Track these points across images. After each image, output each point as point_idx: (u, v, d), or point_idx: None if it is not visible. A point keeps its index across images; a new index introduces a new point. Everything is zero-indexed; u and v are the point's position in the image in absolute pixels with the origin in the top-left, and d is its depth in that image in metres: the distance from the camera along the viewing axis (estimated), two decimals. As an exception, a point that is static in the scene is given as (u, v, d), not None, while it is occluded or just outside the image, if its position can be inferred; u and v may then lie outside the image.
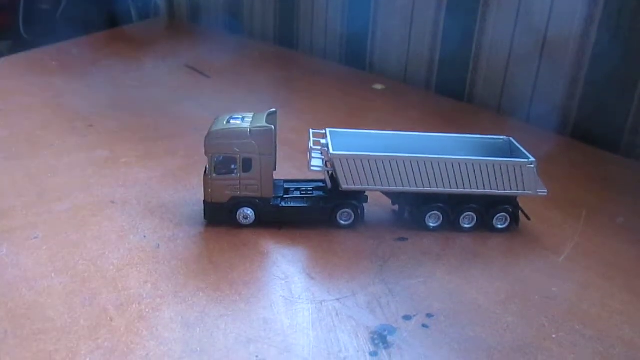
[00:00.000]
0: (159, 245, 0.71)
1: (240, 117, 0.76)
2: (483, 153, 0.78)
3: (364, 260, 0.71)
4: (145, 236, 0.73)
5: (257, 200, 0.75)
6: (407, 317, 0.61)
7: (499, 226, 0.78)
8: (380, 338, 0.58)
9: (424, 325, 0.60)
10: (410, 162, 0.74)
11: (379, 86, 1.36)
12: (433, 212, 0.77)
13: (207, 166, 0.74)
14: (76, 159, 0.94)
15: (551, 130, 1.19)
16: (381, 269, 0.69)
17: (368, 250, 0.73)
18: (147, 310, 0.60)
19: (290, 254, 0.71)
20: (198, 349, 0.55)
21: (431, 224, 0.77)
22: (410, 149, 0.77)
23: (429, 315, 0.61)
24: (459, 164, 0.74)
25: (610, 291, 0.68)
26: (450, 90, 1.37)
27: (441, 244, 0.75)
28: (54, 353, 0.54)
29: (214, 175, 0.74)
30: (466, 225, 0.78)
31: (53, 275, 0.65)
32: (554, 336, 0.60)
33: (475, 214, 0.77)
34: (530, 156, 0.76)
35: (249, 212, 0.75)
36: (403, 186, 0.75)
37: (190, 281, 0.65)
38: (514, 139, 0.81)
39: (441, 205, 0.76)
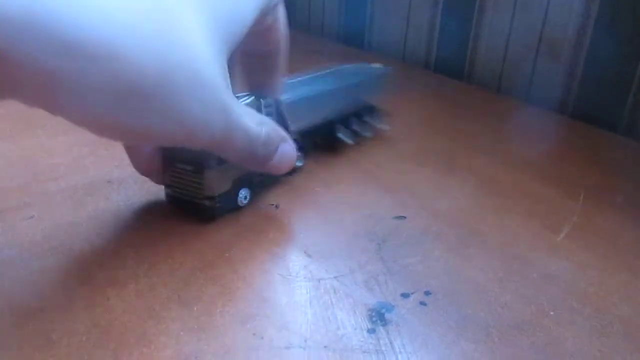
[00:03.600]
0: (155, 224, 0.71)
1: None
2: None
3: (361, 239, 0.70)
4: (141, 216, 0.73)
5: None
6: (405, 295, 0.61)
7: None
8: (378, 315, 0.58)
9: (421, 303, 0.60)
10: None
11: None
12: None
13: None
14: (71, 139, 0.93)
15: (551, 110, 1.19)
16: (379, 247, 0.69)
17: (366, 228, 0.73)
18: (143, 289, 0.60)
19: (287, 232, 0.71)
20: (195, 327, 0.55)
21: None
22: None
23: (427, 293, 0.61)
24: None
25: (609, 270, 0.68)
26: (450, 70, 1.35)
27: (440, 222, 0.75)
28: (51, 332, 0.54)
29: None
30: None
31: (49, 254, 0.65)
32: (552, 314, 0.60)
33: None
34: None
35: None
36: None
37: (187, 260, 0.65)
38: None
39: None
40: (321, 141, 0.92)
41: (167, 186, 0.73)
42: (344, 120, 0.92)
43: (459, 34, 1.32)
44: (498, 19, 1.23)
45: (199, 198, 0.70)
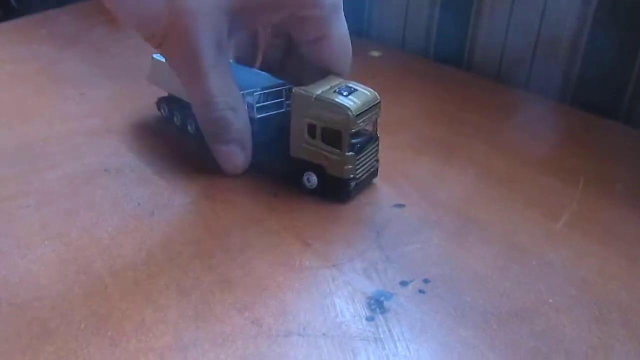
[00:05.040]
0: (153, 212, 0.71)
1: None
2: None
3: (360, 227, 0.70)
4: (139, 204, 0.72)
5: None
6: (403, 283, 0.61)
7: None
8: (377, 303, 0.58)
9: (420, 291, 0.60)
10: None
11: (375, 53, 1.34)
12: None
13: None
14: (68, 128, 0.92)
15: (550, 98, 1.18)
16: (378, 236, 0.69)
17: (365, 216, 0.72)
18: (142, 277, 0.60)
19: (286, 220, 0.71)
20: (193, 315, 0.55)
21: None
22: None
23: (426, 281, 0.61)
24: None
25: (608, 257, 0.67)
26: (449, 58, 1.35)
27: (439, 210, 0.75)
28: (49, 320, 0.53)
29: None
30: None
31: (46, 243, 0.64)
32: (550, 301, 0.60)
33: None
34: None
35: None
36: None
37: (185, 248, 0.64)
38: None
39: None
40: None
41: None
42: None
43: (459, 22, 1.31)
44: (498, 6, 1.22)
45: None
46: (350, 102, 0.70)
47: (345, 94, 0.72)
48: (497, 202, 0.78)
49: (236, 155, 0.77)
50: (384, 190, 0.79)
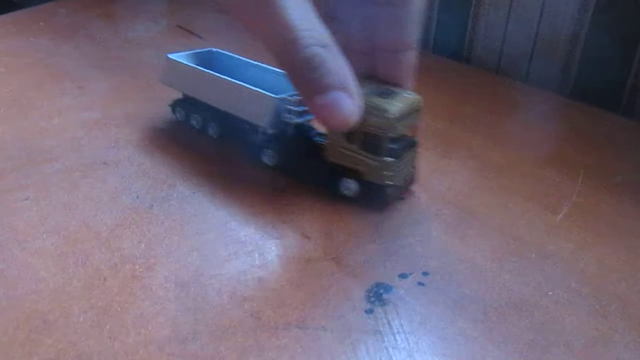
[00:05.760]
0: (152, 205, 0.70)
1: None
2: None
3: (360, 219, 0.70)
4: (138, 197, 0.72)
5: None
6: (403, 276, 0.61)
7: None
8: (376, 296, 0.58)
9: (420, 283, 0.60)
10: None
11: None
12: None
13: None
14: (66, 121, 0.92)
15: (550, 90, 1.18)
16: (377, 228, 0.68)
17: (364, 209, 0.72)
18: (140, 270, 0.59)
19: (285, 213, 0.71)
20: (192, 307, 0.55)
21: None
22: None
23: (425, 274, 0.61)
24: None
25: (607, 249, 0.67)
26: (449, 51, 1.34)
27: (438, 203, 0.75)
28: (47, 313, 0.53)
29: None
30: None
31: (45, 236, 0.64)
32: (550, 294, 0.59)
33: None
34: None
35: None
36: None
37: (184, 241, 0.64)
38: None
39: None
40: None
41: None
42: None
43: (459, 14, 1.30)
44: (498, -2, 1.22)
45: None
46: (392, 106, 0.67)
47: (385, 96, 0.68)
48: (496, 194, 0.77)
49: (342, 101, 0.58)
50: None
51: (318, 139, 0.77)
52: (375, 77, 0.72)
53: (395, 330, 0.53)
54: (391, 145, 0.69)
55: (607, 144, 0.95)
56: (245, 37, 1.35)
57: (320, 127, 0.77)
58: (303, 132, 0.79)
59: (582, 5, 1.10)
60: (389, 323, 0.54)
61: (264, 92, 0.77)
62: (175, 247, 0.63)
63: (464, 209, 0.74)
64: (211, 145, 0.86)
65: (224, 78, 0.82)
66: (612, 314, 0.57)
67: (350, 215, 0.71)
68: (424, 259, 0.64)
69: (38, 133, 0.87)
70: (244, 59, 0.92)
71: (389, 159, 0.69)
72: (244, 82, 0.80)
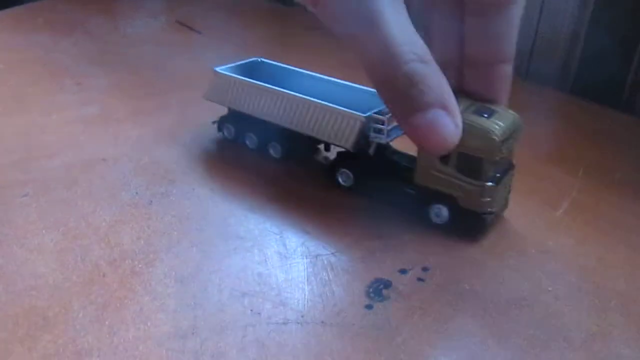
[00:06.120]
0: (151, 201, 0.70)
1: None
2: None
3: (359, 215, 0.70)
4: (137, 193, 0.72)
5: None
6: (402, 271, 0.61)
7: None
8: (376, 291, 0.57)
9: (419, 279, 0.60)
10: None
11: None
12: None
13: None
14: (66, 117, 0.92)
15: (550, 87, 1.18)
16: (377, 224, 0.68)
17: (364, 205, 0.72)
18: (140, 265, 0.59)
19: (285, 209, 0.71)
20: (192, 303, 0.55)
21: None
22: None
23: (425, 269, 0.61)
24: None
25: (607, 245, 0.67)
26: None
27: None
28: (47, 309, 0.53)
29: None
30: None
31: (44, 232, 0.64)
32: (550, 289, 0.59)
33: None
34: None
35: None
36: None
37: (183, 237, 0.64)
38: None
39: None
40: None
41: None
42: None
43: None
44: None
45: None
46: (495, 126, 0.61)
47: (486, 115, 0.61)
48: (496, 190, 0.77)
49: (442, 121, 0.54)
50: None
51: (401, 159, 0.72)
52: (464, 92, 0.64)
53: (395, 326, 0.53)
54: (492, 169, 0.63)
55: (607, 141, 0.95)
56: (244, 34, 1.35)
57: (403, 147, 0.72)
58: (384, 152, 0.73)
59: (582, 3, 1.10)
60: (388, 319, 0.54)
61: (350, 111, 0.71)
62: (175, 242, 0.63)
63: (463, 205, 0.74)
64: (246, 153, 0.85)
65: (300, 96, 0.75)
66: (611, 309, 0.57)
67: (350, 211, 0.71)
68: (424, 254, 0.63)
69: (37, 129, 0.87)
70: (293, 68, 0.85)
71: (489, 184, 0.63)
72: (302, 94, 0.74)
